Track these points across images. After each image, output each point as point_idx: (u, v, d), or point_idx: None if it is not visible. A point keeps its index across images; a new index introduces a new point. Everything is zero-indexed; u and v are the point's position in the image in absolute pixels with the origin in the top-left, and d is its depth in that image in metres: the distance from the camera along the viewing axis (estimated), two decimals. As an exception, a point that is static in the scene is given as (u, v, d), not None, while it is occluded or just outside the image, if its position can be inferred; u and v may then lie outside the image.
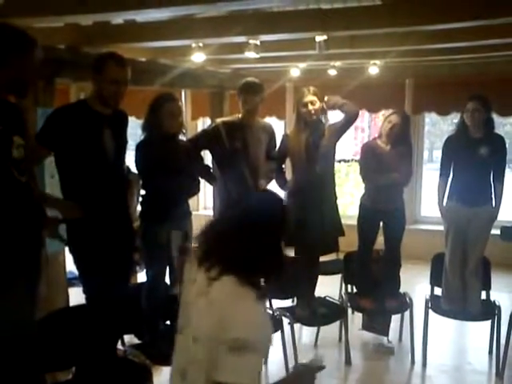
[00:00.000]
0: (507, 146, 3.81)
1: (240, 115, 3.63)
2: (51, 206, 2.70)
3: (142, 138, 3.28)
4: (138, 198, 4.37)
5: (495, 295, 3.81)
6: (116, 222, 2.80)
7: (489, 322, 3.68)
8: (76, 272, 2.94)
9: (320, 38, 3.30)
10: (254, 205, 1.60)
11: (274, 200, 1.64)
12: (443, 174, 3.87)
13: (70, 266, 3.13)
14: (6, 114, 2.16)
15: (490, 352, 3.77)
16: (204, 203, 7.41)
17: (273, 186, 3.92)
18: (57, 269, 3.37)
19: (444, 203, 3.87)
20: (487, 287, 3.78)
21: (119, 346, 3.03)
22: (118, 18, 3.28)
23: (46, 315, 2.54)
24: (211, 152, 3.80)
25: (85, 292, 2.86)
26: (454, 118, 4.22)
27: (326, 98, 3.62)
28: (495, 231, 4.52)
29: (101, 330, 2.63)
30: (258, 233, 1.53)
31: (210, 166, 3.90)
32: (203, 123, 7.14)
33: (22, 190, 2.22)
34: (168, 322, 3.25)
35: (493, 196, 3.76)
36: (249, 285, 1.49)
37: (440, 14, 2.93)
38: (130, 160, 3.22)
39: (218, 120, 3.78)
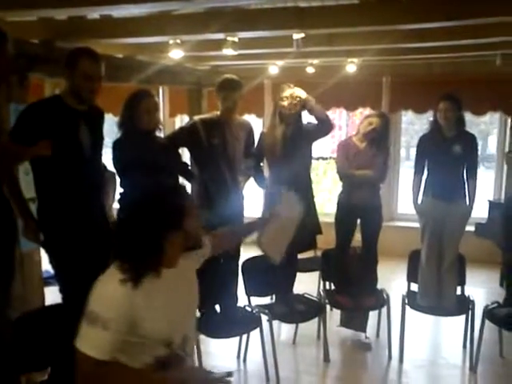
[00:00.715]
0: (480, 144, 3.88)
1: (218, 112, 3.62)
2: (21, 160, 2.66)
3: (119, 135, 3.24)
4: (114, 196, 4.33)
5: (470, 290, 3.88)
6: (92, 220, 2.76)
7: (463, 317, 3.74)
8: (52, 271, 2.90)
9: (297, 35, 3.31)
10: (135, 198, 1.74)
11: (147, 193, 1.73)
12: (417, 172, 3.92)
13: (46, 264, 3.08)
14: None
15: (464, 346, 3.84)
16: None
17: (251, 184, 3.93)
18: (32, 267, 3.32)
19: (419, 200, 3.92)
20: (462, 283, 3.85)
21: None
22: (93, 13, 3.23)
23: (21, 315, 2.49)
24: (189, 149, 3.78)
25: (61, 291, 2.82)
26: (430, 117, 4.29)
27: (310, 98, 3.62)
28: (470, 228, 4.61)
29: (77, 330, 2.59)
30: (131, 224, 1.66)
31: (188, 163, 3.88)
32: (181, 120, 7.09)
33: None
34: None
35: (466, 193, 3.83)
36: (119, 268, 1.63)
37: (416, 14, 2.97)
38: (106, 157, 3.18)
39: (196, 117, 3.76)
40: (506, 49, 4.16)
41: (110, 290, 1.62)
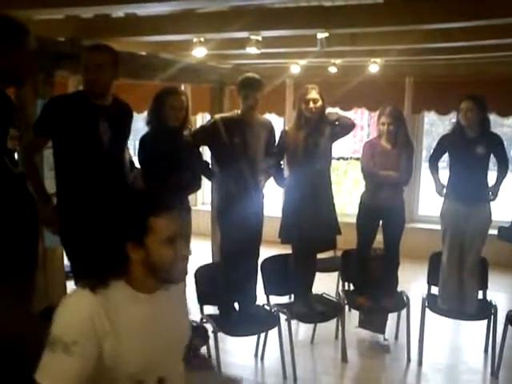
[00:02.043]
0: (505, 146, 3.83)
1: (239, 111, 3.62)
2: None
3: (147, 131, 3.27)
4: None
5: (492, 295, 3.82)
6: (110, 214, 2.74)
7: (485, 322, 3.69)
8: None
9: (321, 34, 3.30)
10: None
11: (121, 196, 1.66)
12: (432, 160, 3.94)
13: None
14: (2, 105, 2.16)
15: (486, 351, 3.78)
16: (202, 199, 7.41)
17: (271, 182, 3.92)
18: (55, 262, 3.37)
19: (442, 203, 3.88)
20: (484, 287, 3.79)
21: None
22: (118, 12, 3.27)
23: (42, 310, 2.53)
24: (210, 148, 3.79)
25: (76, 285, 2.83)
26: (453, 119, 4.24)
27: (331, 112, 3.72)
28: (493, 231, 4.54)
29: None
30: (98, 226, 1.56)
31: (209, 161, 3.89)
32: (203, 118, 7.12)
33: (15, 181, 2.21)
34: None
35: (490, 196, 3.77)
36: (81, 285, 1.49)
37: (440, 13, 2.94)
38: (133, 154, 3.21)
39: (217, 116, 3.77)
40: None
41: (71, 308, 1.43)
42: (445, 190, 3.87)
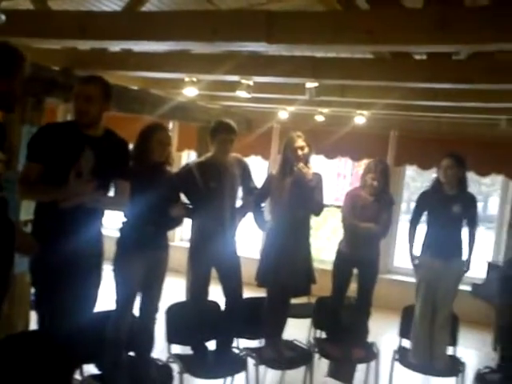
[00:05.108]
0: (481, 205, 3.91)
1: (211, 154, 3.63)
2: None
3: (131, 166, 3.25)
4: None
5: (462, 352, 3.82)
6: (82, 246, 2.62)
7: (454, 379, 3.67)
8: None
9: (311, 84, 3.39)
10: None
11: None
12: (413, 224, 3.96)
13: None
14: None
15: (454, 410, 3.75)
16: (180, 235, 7.37)
17: (251, 224, 3.92)
18: (22, 289, 3.29)
19: (417, 257, 3.92)
20: (454, 343, 3.80)
21: (77, 375, 2.93)
22: (116, 47, 3.33)
23: (3, 338, 2.45)
24: (186, 194, 3.70)
25: (38, 314, 2.74)
26: (433, 174, 4.35)
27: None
28: (466, 287, 4.58)
29: (57, 358, 2.53)
30: None
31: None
32: (188, 155, 7.17)
33: None
34: (131, 353, 3.17)
35: (463, 252, 3.83)
36: None
37: (426, 74, 3.05)
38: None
39: (190, 162, 3.79)
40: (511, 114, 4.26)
41: None
42: (417, 260, 3.91)
